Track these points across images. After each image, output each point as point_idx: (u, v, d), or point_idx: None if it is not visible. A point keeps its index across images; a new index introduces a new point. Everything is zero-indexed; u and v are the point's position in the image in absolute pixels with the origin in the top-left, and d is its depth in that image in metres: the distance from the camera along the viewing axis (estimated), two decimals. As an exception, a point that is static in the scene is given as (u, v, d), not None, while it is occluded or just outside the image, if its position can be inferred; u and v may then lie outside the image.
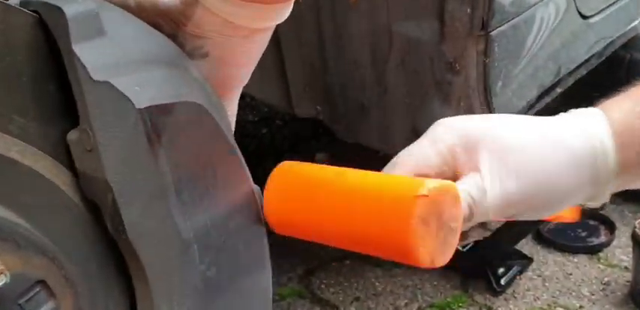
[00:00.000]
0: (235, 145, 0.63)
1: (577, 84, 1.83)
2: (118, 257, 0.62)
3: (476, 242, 1.58)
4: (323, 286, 1.57)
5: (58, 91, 0.58)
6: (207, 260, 0.60)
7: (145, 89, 0.55)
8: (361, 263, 1.64)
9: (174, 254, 0.58)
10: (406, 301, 1.47)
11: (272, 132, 2.60)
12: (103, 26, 0.56)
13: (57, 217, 0.58)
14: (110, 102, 0.54)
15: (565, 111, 0.61)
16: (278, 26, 0.64)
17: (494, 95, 0.93)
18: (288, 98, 1.20)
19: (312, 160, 2.28)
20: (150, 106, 0.54)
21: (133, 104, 0.54)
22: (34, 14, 0.55)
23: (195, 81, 0.61)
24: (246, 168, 0.65)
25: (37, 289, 0.55)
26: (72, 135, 0.57)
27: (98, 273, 0.62)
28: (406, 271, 1.58)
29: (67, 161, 0.59)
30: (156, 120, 0.55)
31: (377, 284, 1.55)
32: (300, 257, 1.70)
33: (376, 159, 1.73)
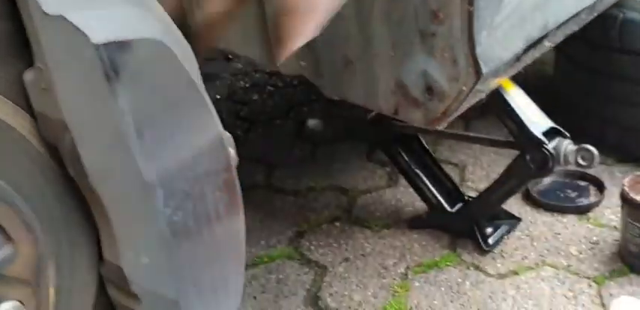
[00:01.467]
0: (201, 87, 0.61)
1: (570, 42, 1.80)
2: (84, 206, 0.61)
3: (464, 202, 1.57)
4: (312, 247, 1.57)
5: (12, 30, 0.55)
6: (173, 205, 0.59)
7: (102, 24, 0.53)
8: (351, 225, 1.64)
9: (137, 198, 0.57)
10: (395, 261, 1.47)
11: (263, 98, 2.57)
12: (56, -41, 0.53)
13: (15, 161, 0.57)
14: (64, 37, 0.52)
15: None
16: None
17: (478, 45, 0.90)
18: (270, 54, 1.17)
19: (304, 126, 2.27)
20: (107, 42, 0.52)
21: (88, 39, 0.51)
22: (-17, -54, 0.52)
23: (157, 19, 0.58)
24: (214, 113, 0.63)
25: (-7, 233, 0.54)
26: (27, 75, 0.55)
27: (63, 221, 0.61)
28: (395, 232, 1.58)
29: (26, 104, 0.57)
30: (114, 57, 0.52)
31: (366, 245, 1.55)
32: (290, 220, 1.70)
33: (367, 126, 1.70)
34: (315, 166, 2.00)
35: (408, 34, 0.99)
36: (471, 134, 1.80)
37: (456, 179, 1.75)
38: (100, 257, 0.63)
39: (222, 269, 0.66)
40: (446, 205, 1.53)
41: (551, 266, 1.40)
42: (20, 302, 0.56)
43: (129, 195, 0.56)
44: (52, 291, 0.59)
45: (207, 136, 0.61)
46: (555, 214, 1.58)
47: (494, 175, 1.49)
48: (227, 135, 0.66)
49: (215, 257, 0.65)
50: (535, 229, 1.53)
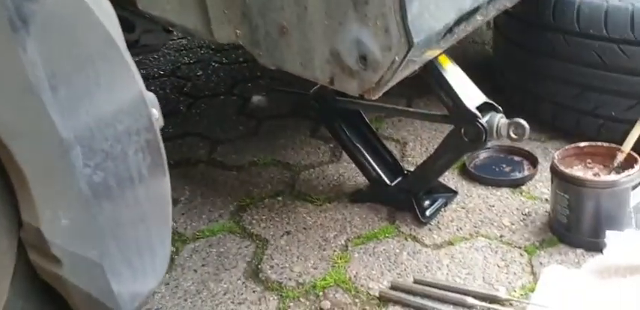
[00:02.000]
0: (122, 45, 0.59)
1: (506, 21, 1.84)
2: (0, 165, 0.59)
3: (404, 176, 1.59)
4: (254, 221, 1.57)
5: None
6: (93, 164, 0.58)
7: (8, -28, 0.50)
8: (293, 200, 1.65)
9: (54, 155, 0.55)
10: (335, 233, 1.49)
11: (207, 74, 2.53)
12: None
13: None
14: (-33, -16, 0.49)
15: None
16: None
17: (409, 13, 0.91)
18: (207, 23, 1.15)
19: (248, 102, 2.25)
20: (14, -9, 0.50)
21: (-8, -14, 0.49)
22: None
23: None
24: (136, 72, 0.62)
25: None
26: None
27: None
28: (337, 205, 1.60)
29: None
30: (21, 6, 0.50)
31: (308, 218, 1.57)
32: (232, 195, 1.70)
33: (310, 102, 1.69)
34: (258, 142, 1.99)
35: (341, 1, 0.99)
36: (410, 109, 1.84)
37: (397, 155, 1.78)
38: (20, 220, 0.61)
39: (147, 232, 0.65)
40: (386, 179, 1.56)
41: (485, 237, 1.45)
42: None
43: (45, 152, 0.55)
44: (-35, 254, 0.57)
45: (127, 94, 0.60)
46: (490, 187, 1.63)
47: (434, 150, 1.52)
48: (151, 95, 0.65)
49: (139, 219, 0.64)
50: (470, 202, 1.58)
